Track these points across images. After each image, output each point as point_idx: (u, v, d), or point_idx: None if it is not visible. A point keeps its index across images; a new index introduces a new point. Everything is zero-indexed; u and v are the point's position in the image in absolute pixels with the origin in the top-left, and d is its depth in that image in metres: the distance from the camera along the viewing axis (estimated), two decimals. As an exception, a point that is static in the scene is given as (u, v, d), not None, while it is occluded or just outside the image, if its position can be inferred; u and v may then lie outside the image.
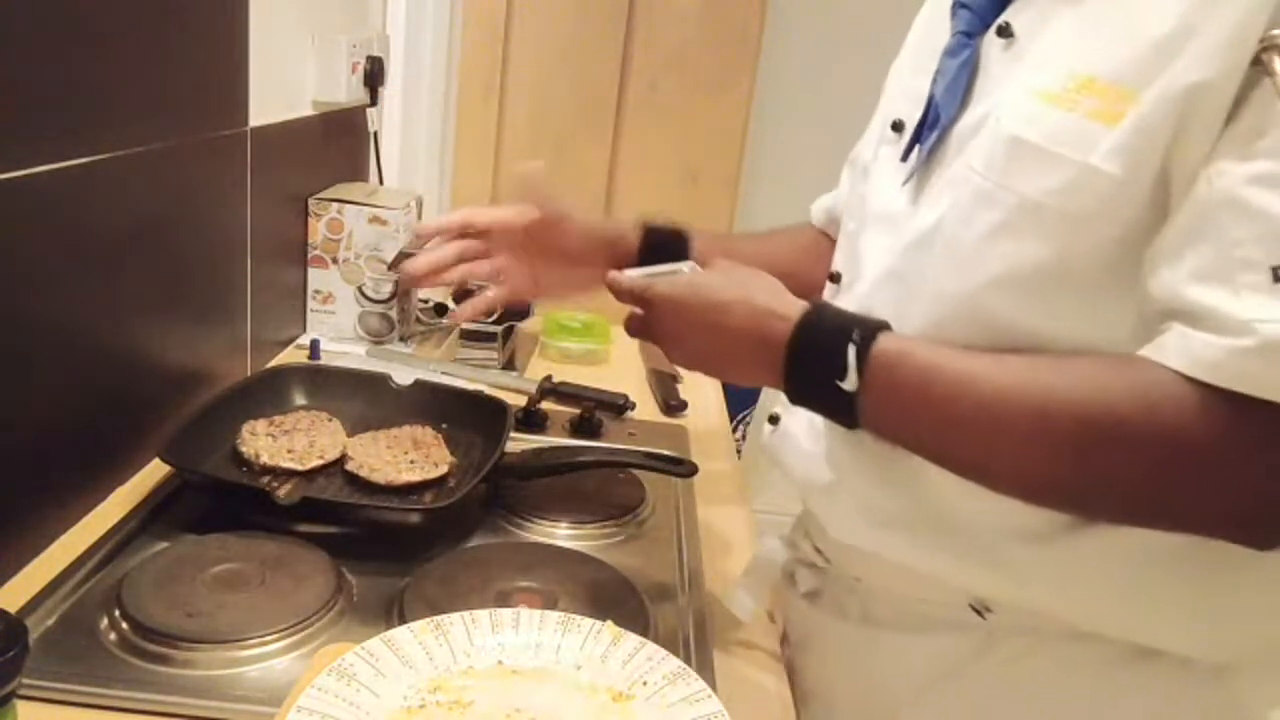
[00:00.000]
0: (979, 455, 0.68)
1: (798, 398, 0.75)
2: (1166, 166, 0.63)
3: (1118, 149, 0.64)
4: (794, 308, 0.74)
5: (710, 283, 0.80)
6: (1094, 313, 0.67)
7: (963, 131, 0.74)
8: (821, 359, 0.71)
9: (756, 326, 0.75)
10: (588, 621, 0.75)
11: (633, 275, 0.86)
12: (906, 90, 0.84)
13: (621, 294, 0.85)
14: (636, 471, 1.12)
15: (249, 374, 1.29)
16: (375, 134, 1.65)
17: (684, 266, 0.87)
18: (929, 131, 0.77)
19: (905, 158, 0.80)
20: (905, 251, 0.77)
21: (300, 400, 1.21)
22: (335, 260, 1.47)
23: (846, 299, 0.82)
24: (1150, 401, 0.61)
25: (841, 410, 0.71)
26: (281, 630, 0.80)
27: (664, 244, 1.02)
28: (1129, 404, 0.62)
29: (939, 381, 0.68)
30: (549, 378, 1.35)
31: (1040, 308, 0.68)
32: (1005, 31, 0.74)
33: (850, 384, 0.69)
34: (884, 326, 0.71)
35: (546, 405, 1.31)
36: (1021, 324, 0.69)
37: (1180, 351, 0.61)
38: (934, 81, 0.78)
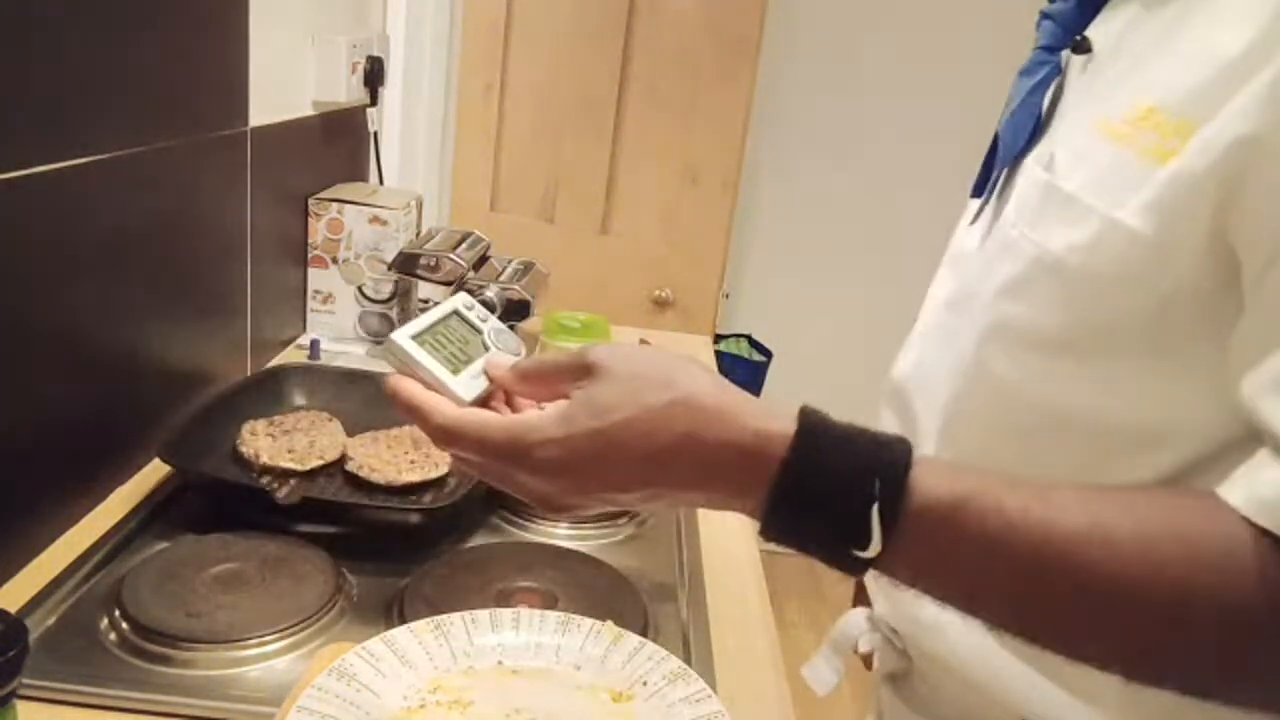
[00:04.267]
0: (1048, 634, 0.52)
1: (786, 543, 0.53)
2: (1222, 232, 0.50)
3: (1151, 203, 0.52)
4: (772, 421, 0.52)
5: (609, 396, 0.54)
6: (1137, 388, 0.56)
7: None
8: (827, 514, 0.50)
9: (712, 451, 0.52)
10: (588, 621, 0.75)
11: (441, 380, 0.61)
12: None
13: (439, 435, 0.60)
14: (636, 471, 1.11)
15: (249, 374, 1.29)
16: (375, 134, 1.65)
17: (500, 339, 0.63)
18: (998, 168, 0.68)
19: (976, 193, 0.71)
20: (948, 304, 0.70)
21: (300, 400, 1.21)
22: (335, 260, 1.47)
23: (904, 357, 0.74)
24: (1200, 558, 0.48)
25: (858, 570, 0.52)
26: (281, 630, 0.80)
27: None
28: (1203, 568, 0.48)
29: (1005, 552, 0.49)
30: (549, 378, 1.35)
31: (1056, 377, 0.58)
32: (1082, 47, 0.63)
33: (873, 550, 0.50)
34: (907, 459, 0.50)
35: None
36: (1034, 394, 0.59)
37: (1245, 485, 0.48)
38: (1006, 106, 0.68)
